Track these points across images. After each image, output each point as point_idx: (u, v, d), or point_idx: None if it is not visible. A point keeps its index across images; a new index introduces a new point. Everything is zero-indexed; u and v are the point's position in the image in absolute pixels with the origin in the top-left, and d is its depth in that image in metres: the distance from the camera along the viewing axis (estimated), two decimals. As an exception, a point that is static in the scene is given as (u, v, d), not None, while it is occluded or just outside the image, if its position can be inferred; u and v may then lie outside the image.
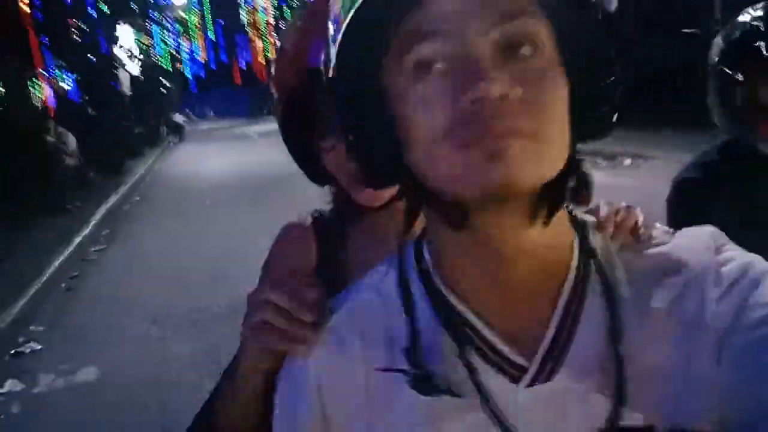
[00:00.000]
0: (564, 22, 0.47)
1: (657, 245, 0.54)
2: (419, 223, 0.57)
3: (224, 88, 51.13)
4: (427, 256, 0.57)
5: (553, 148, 0.46)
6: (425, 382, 0.51)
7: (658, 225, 0.58)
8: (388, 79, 0.49)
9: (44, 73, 21.66)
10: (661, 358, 0.49)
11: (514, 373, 0.51)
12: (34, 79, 20.97)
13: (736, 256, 0.52)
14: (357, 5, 0.46)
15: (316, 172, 0.91)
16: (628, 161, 9.16)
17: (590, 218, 0.57)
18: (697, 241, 0.53)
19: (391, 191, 0.68)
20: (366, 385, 0.55)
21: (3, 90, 15.08)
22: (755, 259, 0.51)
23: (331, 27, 0.51)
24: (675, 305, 0.50)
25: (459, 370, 0.51)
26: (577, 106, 0.48)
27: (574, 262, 0.52)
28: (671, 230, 0.57)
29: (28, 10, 15.52)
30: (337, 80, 0.52)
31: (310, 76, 0.79)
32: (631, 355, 0.49)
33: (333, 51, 0.50)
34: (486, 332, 0.52)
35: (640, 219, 0.57)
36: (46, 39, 19.52)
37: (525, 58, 0.45)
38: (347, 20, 0.47)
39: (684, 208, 1.37)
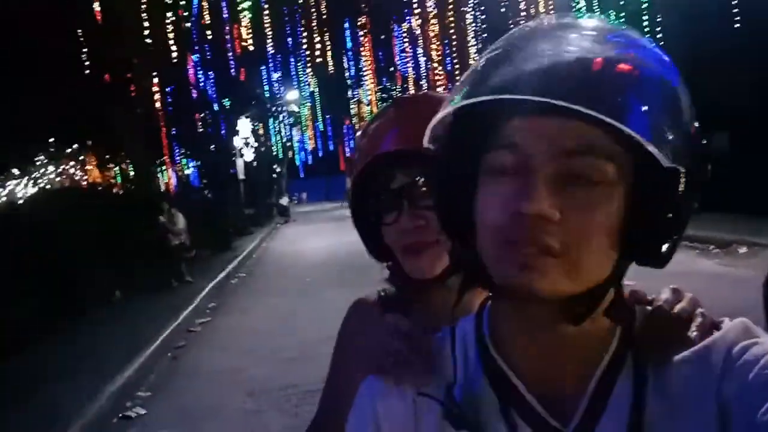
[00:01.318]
0: (637, 169, 0.53)
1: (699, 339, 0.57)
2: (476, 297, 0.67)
3: (330, 174, 53.74)
4: (485, 322, 0.65)
5: (583, 268, 0.52)
6: (459, 416, 0.58)
7: (726, 321, 0.59)
8: (478, 174, 0.58)
9: (170, 160, 23.86)
10: None
11: None
12: (162, 166, 23.18)
13: (761, 342, 0.54)
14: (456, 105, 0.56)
15: (376, 247, 1.00)
16: (743, 249, 8.44)
17: (641, 308, 0.62)
18: (727, 331, 0.57)
19: (443, 265, 0.88)
20: (409, 411, 0.63)
21: (133, 173, 16.74)
22: None
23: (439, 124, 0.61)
24: (692, 390, 0.54)
25: (495, 416, 0.58)
26: (631, 235, 0.53)
27: (611, 348, 0.58)
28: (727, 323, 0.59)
29: (159, 105, 17.41)
30: (440, 159, 0.63)
31: (378, 160, 0.91)
32: None
33: (443, 133, 0.62)
34: (526, 394, 0.58)
35: (696, 320, 0.59)
36: (175, 130, 21.67)
37: (585, 186, 0.51)
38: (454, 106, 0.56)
39: None
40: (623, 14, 12.17)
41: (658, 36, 11.42)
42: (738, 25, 10.69)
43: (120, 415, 4.75)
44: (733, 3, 10.18)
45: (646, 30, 11.71)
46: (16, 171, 25.29)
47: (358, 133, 1.04)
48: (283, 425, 4.10)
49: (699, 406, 0.53)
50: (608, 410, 0.56)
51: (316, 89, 42.39)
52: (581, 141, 0.51)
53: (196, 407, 4.76)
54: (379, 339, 0.73)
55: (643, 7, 11.65)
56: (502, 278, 0.54)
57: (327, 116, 48.34)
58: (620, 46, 0.53)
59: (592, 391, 0.56)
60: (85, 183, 25.45)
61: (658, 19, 11.47)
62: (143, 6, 13.12)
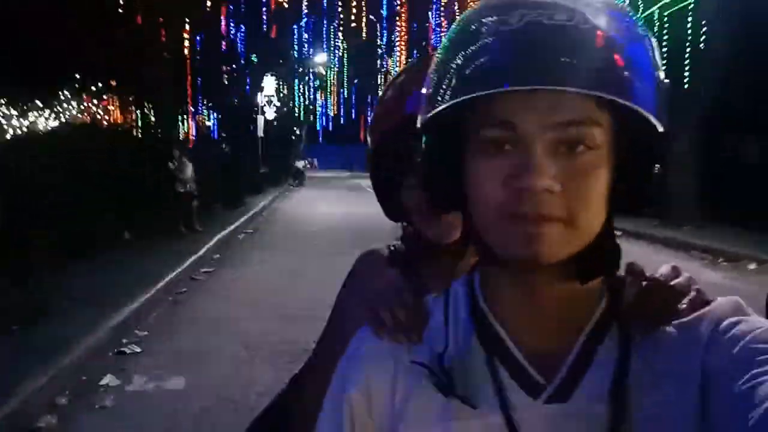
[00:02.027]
0: (622, 130, 0.55)
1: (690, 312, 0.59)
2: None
3: (349, 142, 53.57)
4: (476, 282, 0.66)
5: (583, 230, 0.54)
6: (448, 384, 0.59)
7: (719, 299, 0.60)
8: (465, 146, 0.59)
9: (193, 109, 23.85)
10: (658, 405, 0.55)
11: (532, 390, 0.58)
12: (184, 115, 23.18)
13: (749, 320, 0.55)
14: (452, 91, 0.55)
15: (393, 208, 1.00)
16: (753, 265, 8.30)
17: (635, 280, 0.63)
18: (717, 306, 0.58)
19: (459, 232, 0.87)
20: (397, 376, 0.64)
21: (154, 119, 16.77)
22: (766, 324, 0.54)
23: (426, 88, 0.61)
24: (677, 359, 0.56)
25: (483, 377, 0.59)
26: (617, 192, 0.56)
27: (599, 311, 0.60)
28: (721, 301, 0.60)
29: (188, 53, 17.29)
30: (427, 131, 0.62)
31: (403, 121, 0.88)
32: (632, 396, 0.55)
33: (426, 109, 0.60)
34: (514, 350, 0.60)
35: (690, 295, 0.60)
36: (200, 80, 21.60)
37: (578, 153, 0.53)
38: (446, 100, 0.56)
39: None
40: (666, 13, 11.90)
41: (701, 35, 11.15)
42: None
43: (115, 350, 4.82)
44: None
45: (689, 30, 11.44)
46: (39, 103, 25.41)
47: (386, 86, 1.00)
48: (273, 378, 4.13)
49: (682, 374, 0.55)
50: (592, 369, 0.58)
51: (346, 55, 42.02)
52: (576, 112, 0.52)
53: (190, 351, 4.83)
54: (378, 291, 0.74)
55: (689, 7, 11.34)
56: (507, 251, 0.55)
57: (353, 84, 47.99)
58: (594, 14, 0.53)
59: (578, 350, 0.58)
60: (105, 123, 25.54)
61: (703, 23, 11.19)
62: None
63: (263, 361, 4.62)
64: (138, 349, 4.88)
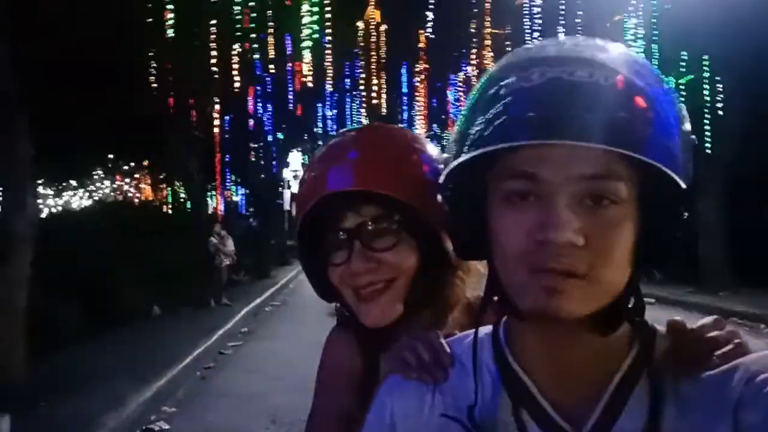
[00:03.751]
0: (646, 187, 0.55)
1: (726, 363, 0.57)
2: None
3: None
4: (501, 334, 0.66)
5: (606, 287, 0.54)
6: None
7: (757, 353, 0.58)
8: (489, 196, 0.59)
9: (221, 185, 24.46)
10: None
11: None
12: (212, 191, 23.78)
13: None
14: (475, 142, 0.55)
15: (324, 289, 0.94)
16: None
17: (661, 329, 0.62)
18: (753, 359, 0.56)
19: (396, 312, 0.86)
20: (429, 426, 0.64)
21: (184, 195, 17.20)
22: None
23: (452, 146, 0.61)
24: (709, 410, 0.54)
25: (510, 428, 0.59)
26: (641, 246, 0.55)
27: (626, 363, 0.59)
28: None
29: (217, 131, 17.95)
30: (449, 188, 0.63)
31: (326, 198, 0.86)
32: None
33: (450, 164, 0.60)
34: (542, 401, 0.59)
35: (728, 347, 0.58)
36: (228, 157, 22.28)
37: (602, 207, 0.53)
38: (466, 154, 0.56)
39: None
40: (690, 76, 12.07)
41: (718, 101, 11.25)
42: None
43: (143, 427, 4.76)
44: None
45: (707, 97, 11.55)
46: (74, 182, 26.32)
47: (308, 164, 0.96)
48: (303, 456, 4.02)
49: (715, 426, 0.53)
50: (621, 420, 0.56)
51: (368, 130, 42.86)
52: (598, 166, 0.52)
53: (219, 428, 4.75)
54: (400, 343, 0.73)
55: (704, 65, 11.51)
56: (528, 304, 0.55)
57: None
58: (615, 70, 0.53)
59: (607, 400, 0.57)
60: (137, 200, 26.25)
61: (717, 79, 11.32)
62: (213, 35, 13.71)
63: (292, 436, 4.51)
64: (166, 426, 4.82)
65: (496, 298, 0.63)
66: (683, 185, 0.54)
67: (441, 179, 0.63)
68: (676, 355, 0.59)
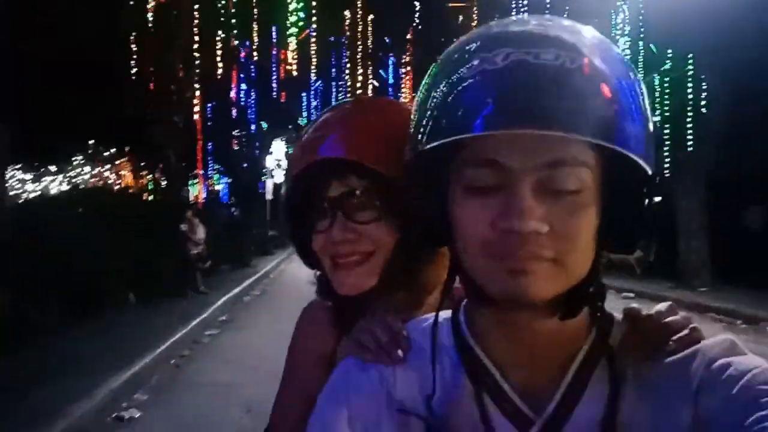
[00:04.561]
0: (610, 173, 0.55)
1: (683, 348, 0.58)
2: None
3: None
4: (462, 317, 0.65)
5: (571, 270, 0.54)
6: (437, 428, 0.59)
7: (714, 338, 0.58)
8: (450, 183, 0.58)
9: (203, 174, 24.21)
10: None
11: (521, 424, 0.57)
12: (194, 179, 23.53)
13: (743, 360, 0.53)
14: (429, 132, 0.55)
15: (306, 253, 0.94)
16: (772, 329, 8.06)
17: (618, 316, 0.63)
18: (711, 344, 0.56)
19: (370, 284, 0.85)
20: (381, 415, 0.62)
21: (165, 183, 17.00)
22: (764, 363, 0.53)
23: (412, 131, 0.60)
24: (668, 396, 0.55)
25: (472, 414, 0.58)
26: (605, 232, 0.56)
27: (584, 349, 0.59)
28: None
29: (199, 118, 17.77)
30: (412, 171, 0.62)
31: (315, 165, 0.86)
32: None
33: (407, 150, 0.61)
34: (503, 384, 0.59)
35: (683, 332, 0.59)
36: (211, 145, 22.06)
37: (563, 195, 0.52)
38: (425, 142, 0.56)
39: None
40: (667, 78, 12.14)
41: (702, 99, 11.31)
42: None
43: (114, 415, 4.65)
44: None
45: (690, 95, 11.61)
46: (53, 168, 25.91)
47: (304, 128, 0.97)
48: (277, 447, 3.96)
49: (674, 412, 0.54)
50: (582, 405, 0.57)
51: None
52: (560, 153, 0.52)
53: (191, 417, 4.65)
54: (357, 327, 0.72)
55: (689, 63, 11.57)
56: (495, 288, 0.54)
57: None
58: (582, 53, 0.51)
59: (567, 385, 0.58)
60: (117, 187, 25.93)
61: (702, 78, 11.38)
62: (196, 21, 13.50)
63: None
64: (137, 414, 4.71)
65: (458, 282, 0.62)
66: (650, 171, 0.54)
67: (404, 166, 0.62)
68: (635, 341, 0.59)
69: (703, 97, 11.44)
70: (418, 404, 0.61)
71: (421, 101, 0.57)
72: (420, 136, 0.56)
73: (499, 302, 0.55)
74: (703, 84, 11.45)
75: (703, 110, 11.38)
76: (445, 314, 0.67)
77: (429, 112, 0.55)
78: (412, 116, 0.60)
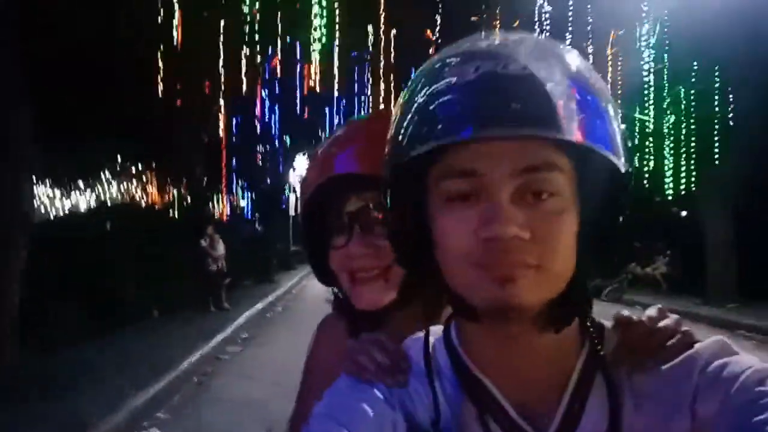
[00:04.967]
0: (584, 175, 0.55)
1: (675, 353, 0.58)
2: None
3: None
4: (453, 334, 0.64)
5: (555, 275, 0.54)
6: None
7: (706, 341, 0.58)
8: (429, 197, 0.58)
9: (227, 189, 24.46)
10: None
11: None
12: (218, 194, 23.78)
13: (737, 360, 0.54)
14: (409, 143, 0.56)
15: (322, 271, 0.94)
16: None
17: (608, 324, 0.63)
18: (703, 348, 0.57)
19: (389, 298, 0.85)
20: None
21: (190, 198, 17.21)
22: (756, 363, 0.53)
23: (388, 146, 0.61)
24: (667, 403, 0.54)
25: None
26: (585, 239, 0.56)
27: (580, 362, 0.59)
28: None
29: (223, 134, 17.98)
30: (389, 187, 0.62)
31: (331, 181, 0.86)
32: None
33: (386, 163, 0.61)
34: (505, 404, 0.58)
35: (676, 336, 0.58)
36: (235, 161, 22.29)
37: (542, 201, 0.53)
38: (404, 154, 0.56)
39: None
40: (693, 91, 11.92)
41: (729, 105, 11.06)
42: None
43: (135, 433, 4.66)
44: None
45: (717, 107, 11.38)
46: (81, 183, 26.44)
47: (320, 144, 0.97)
48: (297, 467, 3.92)
49: (674, 419, 0.54)
50: (584, 419, 0.56)
51: (376, 136, 42.89)
52: (535, 158, 0.52)
53: (213, 435, 4.63)
54: (352, 343, 0.71)
55: (716, 76, 11.35)
56: (481, 298, 0.54)
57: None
58: (548, 63, 0.54)
59: (567, 402, 0.57)
60: (143, 203, 26.33)
61: (729, 90, 11.14)
62: (222, 37, 13.73)
63: (287, 446, 4.40)
64: (158, 433, 4.72)
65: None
66: (622, 168, 0.55)
67: (382, 182, 0.62)
68: (629, 350, 0.59)
69: (730, 109, 11.21)
70: (423, 426, 0.60)
71: (398, 117, 0.59)
72: (398, 148, 0.57)
73: (485, 314, 0.55)
74: (730, 96, 11.22)
75: (731, 123, 11.14)
76: (435, 331, 0.67)
77: (407, 125, 0.56)
78: (389, 132, 0.60)
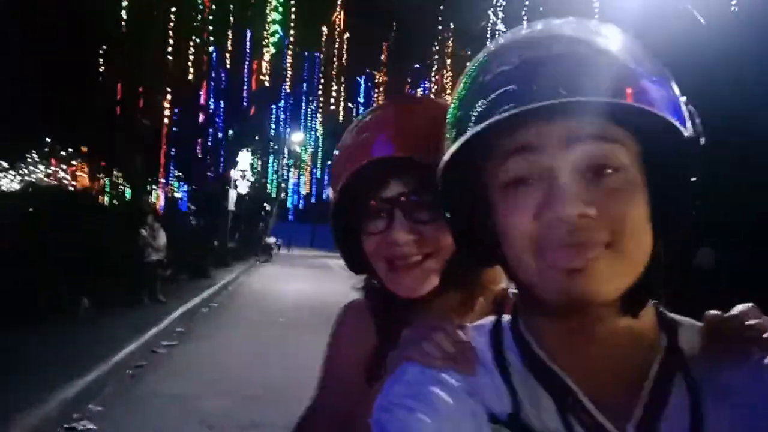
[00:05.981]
0: (649, 147, 0.53)
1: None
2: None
3: (318, 221, 53.64)
4: (522, 326, 0.61)
5: (631, 258, 0.51)
6: None
7: None
8: (488, 192, 0.57)
9: (164, 180, 23.69)
10: None
11: None
12: (154, 186, 22.97)
13: None
14: (472, 130, 0.53)
15: (355, 259, 0.92)
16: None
17: (685, 320, 0.60)
18: None
19: (431, 285, 0.82)
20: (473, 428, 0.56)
21: (123, 187, 16.57)
22: None
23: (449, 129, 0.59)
24: (753, 400, 0.52)
25: (558, 430, 0.54)
26: (659, 218, 0.53)
27: (658, 357, 0.56)
28: None
29: (165, 121, 17.42)
30: (448, 175, 0.59)
31: (368, 165, 0.84)
32: None
33: (448, 153, 0.58)
34: (586, 401, 0.54)
35: (765, 335, 0.56)
36: (174, 151, 21.62)
37: (605, 176, 0.51)
38: (465, 136, 0.54)
39: None
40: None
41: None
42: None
43: (65, 425, 4.43)
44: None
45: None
46: (4, 163, 24.96)
47: (349, 129, 0.94)
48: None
49: (760, 416, 0.51)
50: (665, 415, 0.53)
51: (322, 136, 42.80)
52: (594, 131, 0.51)
53: (148, 430, 4.46)
54: (411, 333, 0.67)
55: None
56: (549, 292, 0.51)
57: (327, 164, 48.76)
58: (598, 38, 0.53)
59: (647, 396, 0.54)
60: (72, 188, 25.14)
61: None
62: (171, 24, 13.31)
63: (226, 444, 4.29)
64: (90, 426, 4.49)
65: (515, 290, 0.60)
66: (685, 132, 0.52)
67: (438, 174, 0.60)
68: (710, 347, 0.57)
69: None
70: (501, 417, 0.56)
71: (453, 109, 0.58)
72: (459, 126, 0.56)
73: (558, 307, 0.53)
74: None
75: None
76: (503, 321, 0.64)
77: (462, 114, 0.56)
78: (446, 125, 0.60)
